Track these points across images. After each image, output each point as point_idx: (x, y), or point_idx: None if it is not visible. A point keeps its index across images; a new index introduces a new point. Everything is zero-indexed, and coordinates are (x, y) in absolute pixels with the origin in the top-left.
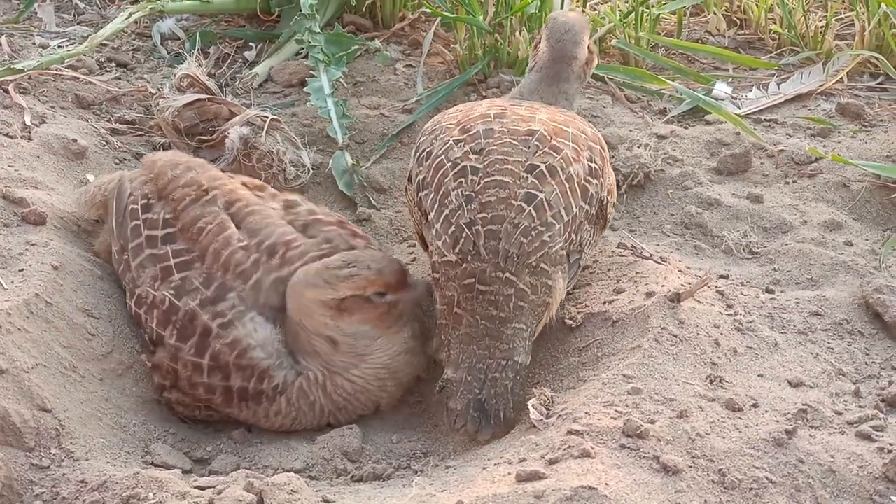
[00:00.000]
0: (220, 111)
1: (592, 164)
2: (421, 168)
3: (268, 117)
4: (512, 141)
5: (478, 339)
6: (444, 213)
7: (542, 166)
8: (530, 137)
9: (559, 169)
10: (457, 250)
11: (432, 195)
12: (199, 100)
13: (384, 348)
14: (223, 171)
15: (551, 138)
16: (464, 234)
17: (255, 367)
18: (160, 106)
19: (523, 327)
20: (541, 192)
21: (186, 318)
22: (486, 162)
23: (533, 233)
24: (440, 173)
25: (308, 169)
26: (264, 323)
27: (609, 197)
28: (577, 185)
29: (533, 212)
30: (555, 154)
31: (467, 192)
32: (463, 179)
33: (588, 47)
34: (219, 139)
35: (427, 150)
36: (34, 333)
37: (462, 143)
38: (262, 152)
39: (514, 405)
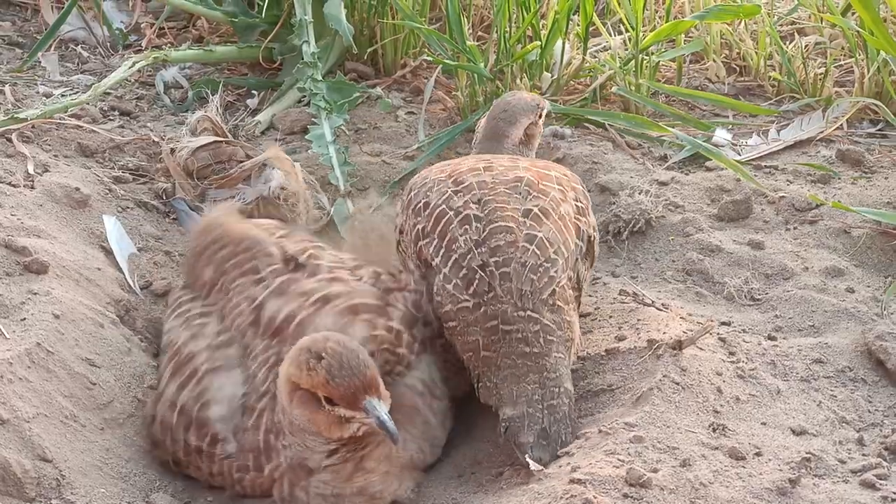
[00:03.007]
0: (235, 153)
1: (578, 204)
2: (419, 219)
3: (290, 160)
4: (505, 189)
5: (523, 376)
6: (453, 258)
7: (536, 209)
8: (519, 183)
9: (551, 210)
10: (471, 292)
11: (436, 242)
12: (215, 141)
13: (339, 473)
14: (243, 209)
15: (538, 183)
16: (477, 276)
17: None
18: (175, 147)
19: (562, 356)
20: (539, 231)
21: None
22: (487, 210)
23: (540, 269)
24: (443, 222)
25: (328, 211)
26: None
27: (594, 233)
28: (569, 222)
29: (536, 250)
30: (544, 197)
31: (475, 238)
32: (468, 226)
33: (528, 125)
34: (233, 177)
35: (423, 201)
36: (35, 383)
37: (461, 194)
38: (290, 193)
39: (572, 430)
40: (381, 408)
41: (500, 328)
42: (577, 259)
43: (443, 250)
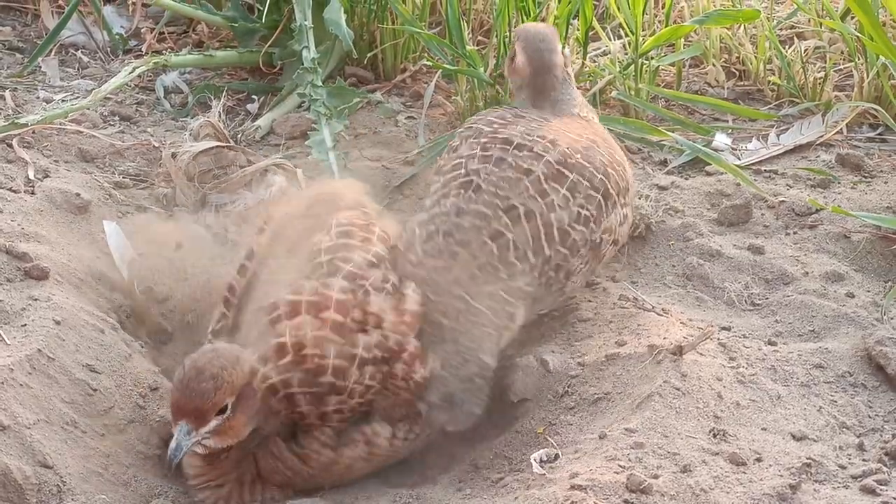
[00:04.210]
0: (236, 158)
1: (584, 212)
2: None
3: (289, 165)
4: (510, 177)
5: (437, 344)
6: (434, 212)
7: (521, 209)
8: (524, 177)
9: (537, 214)
10: (424, 248)
11: (440, 186)
12: (216, 146)
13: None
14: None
15: (543, 182)
16: (438, 240)
17: None
18: (176, 152)
19: (485, 332)
20: (511, 232)
21: None
22: (484, 187)
23: (489, 268)
24: (452, 174)
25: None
26: None
27: (605, 236)
28: (555, 230)
29: (496, 250)
30: (539, 199)
31: (463, 206)
32: (463, 191)
33: (562, 52)
34: (234, 182)
35: (457, 144)
36: (36, 389)
37: (479, 160)
38: None
39: (482, 400)
40: (184, 436)
41: (428, 295)
42: (557, 265)
43: (435, 197)
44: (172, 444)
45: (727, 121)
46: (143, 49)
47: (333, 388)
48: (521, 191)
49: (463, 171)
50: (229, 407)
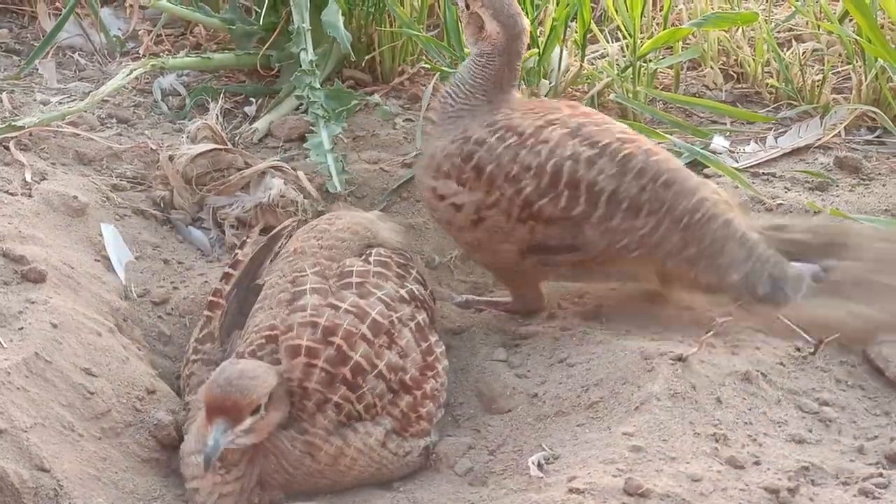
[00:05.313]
0: (234, 161)
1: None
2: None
3: (287, 168)
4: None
5: (718, 254)
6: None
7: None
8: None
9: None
10: (645, 213)
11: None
12: (214, 149)
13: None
14: (242, 215)
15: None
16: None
17: None
18: (174, 154)
19: (727, 216)
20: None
21: None
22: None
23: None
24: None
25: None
26: None
27: None
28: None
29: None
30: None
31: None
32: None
33: None
34: (232, 185)
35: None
36: (33, 392)
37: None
38: (289, 200)
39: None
40: (221, 434)
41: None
42: None
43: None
44: (210, 442)
45: (725, 123)
46: (141, 51)
47: (346, 381)
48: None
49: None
50: (262, 407)
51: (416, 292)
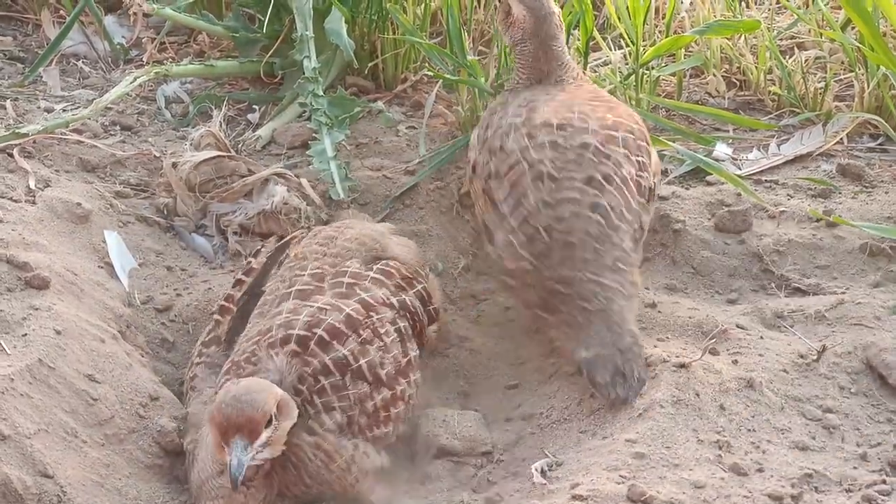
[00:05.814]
0: (237, 168)
1: (640, 158)
2: (494, 159)
3: (290, 175)
4: (571, 156)
5: (587, 327)
6: (523, 214)
7: (599, 176)
8: (585, 151)
9: (613, 174)
10: (531, 252)
11: (506, 187)
12: (217, 156)
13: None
14: (245, 222)
15: (604, 147)
16: (539, 237)
17: None
18: (177, 161)
19: (626, 304)
20: (602, 199)
21: None
22: (561, 176)
23: (604, 238)
24: (516, 170)
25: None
26: None
27: (655, 179)
28: (630, 183)
29: (600, 219)
30: (607, 161)
31: (545, 198)
32: (540, 183)
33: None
34: (235, 192)
35: (500, 144)
36: (36, 398)
37: (536, 150)
38: (292, 207)
39: (645, 365)
40: (242, 452)
41: (560, 290)
42: (639, 214)
43: (511, 200)
44: (234, 462)
45: (728, 131)
46: (145, 59)
47: (326, 370)
48: (589, 162)
49: (525, 164)
50: (274, 417)
51: (409, 303)
